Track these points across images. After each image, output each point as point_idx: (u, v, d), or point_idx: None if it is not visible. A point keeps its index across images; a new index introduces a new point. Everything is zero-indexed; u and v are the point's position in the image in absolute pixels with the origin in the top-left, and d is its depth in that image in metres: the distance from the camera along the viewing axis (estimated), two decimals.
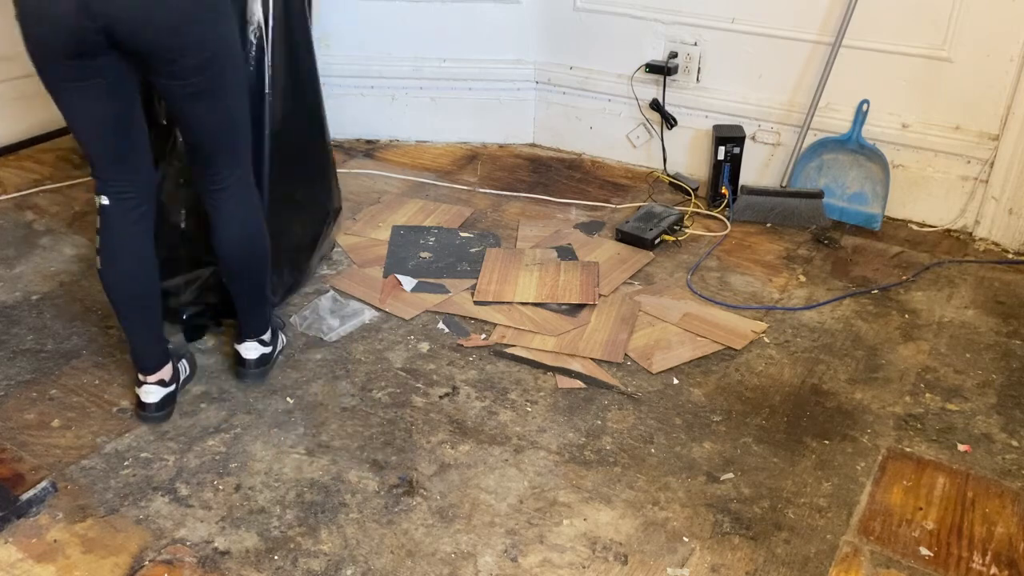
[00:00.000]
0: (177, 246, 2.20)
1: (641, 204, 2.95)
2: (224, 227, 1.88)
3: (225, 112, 1.75)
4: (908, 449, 1.92)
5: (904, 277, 2.56)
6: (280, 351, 2.17)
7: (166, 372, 1.95)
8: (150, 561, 1.63)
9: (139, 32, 1.56)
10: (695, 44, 3.01)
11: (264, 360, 2.08)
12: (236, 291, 2.00)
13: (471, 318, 2.35)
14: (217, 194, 1.85)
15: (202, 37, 1.62)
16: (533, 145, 3.46)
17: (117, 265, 1.83)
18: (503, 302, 2.40)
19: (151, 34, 1.57)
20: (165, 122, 2.06)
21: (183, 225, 2.18)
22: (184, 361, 2.06)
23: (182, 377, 2.03)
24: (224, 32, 1.68)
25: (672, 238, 2.73)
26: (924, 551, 1.66)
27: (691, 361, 2.19)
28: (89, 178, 1.87)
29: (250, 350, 2.05)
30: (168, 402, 1.96)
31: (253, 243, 1.93)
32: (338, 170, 3.12)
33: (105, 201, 1.77)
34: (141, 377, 1.94)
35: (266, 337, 2.07)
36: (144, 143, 1.79)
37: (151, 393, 1.93)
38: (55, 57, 1.58)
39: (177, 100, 1.70)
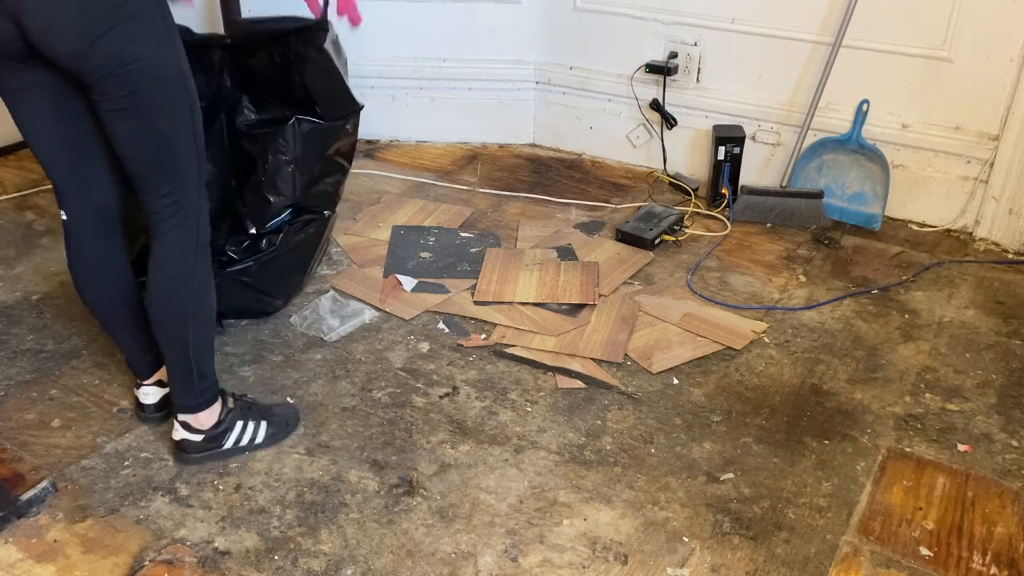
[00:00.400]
0: None
1: (641, 204, 2.95)
2: (151, 261, 1.70)
3: (149, 134, 1.61)
4: (908, 449, 1.92)
5: (904, 277, 2.56)
6: (244, 448, 1.87)
7: (163, 372, 1.94)
8: (150, 561, 1.63)
9: (47, 43, 1.47)
10: (695, 44, 3.01)
11: (188, 447, 1.83)
12: (162, 348, 1.78)
13: (471, 318, 2.35)
14: (151, 225, 1.69)
15: (113, 53, 1.50)
16: (533, 145, 3.46)
17: (88, 279, 1.79)
18: (503, 302, 2.40)
19: (58, 46, 1.48)
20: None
21: None
22: None
23: None
24: (143, 51, 1.53)
25: (672, 238, 2.73)
26: (924, 551, 1.66)
27: (691, 361, 2.19)
28: None
29: (176, 430, 1.83)
30: (167, 402, 1.95)
31: (173, 289, 1.71)
32: None
33: (65, 216, 1.73)
34: (138, 380, 1.94)
35: (192, 420, 1.81)
36: (103, 161, 1.70)
37: (149, 395, 1.93)
38: None
39: (101, 115, 1.59)
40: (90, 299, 1.82)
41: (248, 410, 1.90)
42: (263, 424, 1.90)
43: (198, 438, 1.83)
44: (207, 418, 1.82)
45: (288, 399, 2.04)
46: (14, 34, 1.48)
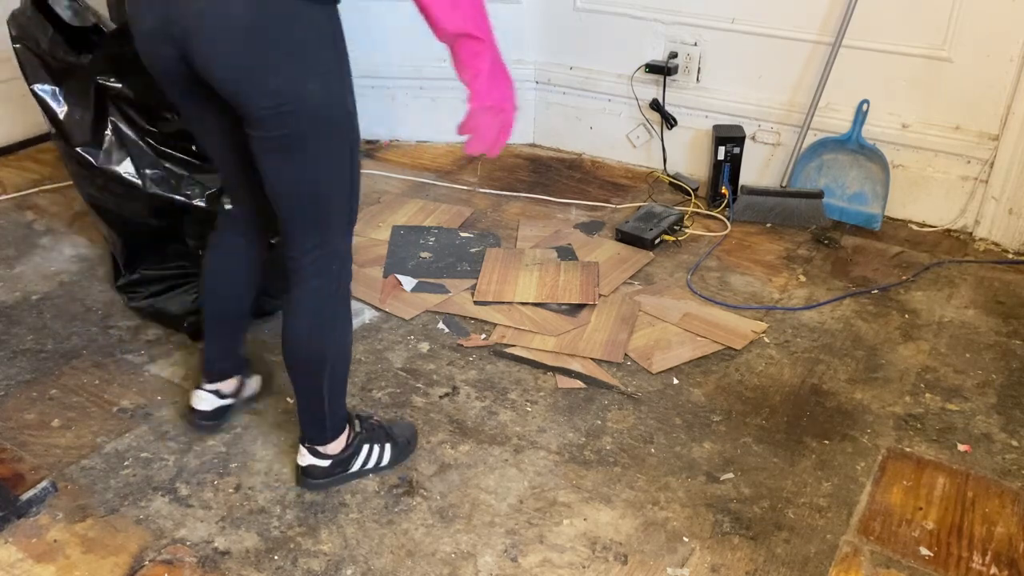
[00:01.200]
0: (185, 263, 2.26)
1: (641, 204, 2.95)
2: (289, 312, 1.64)
3: (302, 180, 1.49)
4: (908, 449, 1.92)
5: (904, 277, 2.56)
6: (370, 470, 1.83)
7: (227, 385, 1.92)
8: (150, 561, 1.63)
9: (210, 67, 1.39)
10: (695, 44, 3.01)
11: (315, 473, 1.77)
12: (293, 384, 1.73)
13: (471, 318, 2.34)
14: (292, 272, 1.61)
15: (279, 87, 1.38)
16: (533, 145, 3.46)
17: (218, 265, 1.79)
18: (503, 302, 2.40)
19: (220, 72, 1.38)
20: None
21: (190, 244, 2.23)
22: (256, 377, 2.03)
23: (245, 394, 1.99)
24: (310, 89, 1.40)
25: (672, 238, 2.73)
26: (924, 551, 1.66)
27: (691, 361, 2.19)
28: None
29: (302, 455, 1.78)
30: (219, 414, 1.93)
31: (312, 340, 1.64)
32: None
33: (228, 205, 1.73)
34: (202, 381, 1.92)
35: (322, 448, 1.76)
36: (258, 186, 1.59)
37: (204, 400, 1.91)
38: (154, 75, 1.50)
39: (254, 151, 1.48)
40: (209, 288, 1.81)
41: (373, 432, 1.84)
42: (387, 447, 1.84)
43: (325, 463, 1.77)
44: (335, 445, 1.77)
45: (406, 417, 2.00)
46: (176, 58, 1.42)
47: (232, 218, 1.75)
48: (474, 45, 1.40)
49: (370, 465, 1.83)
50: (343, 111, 1.47)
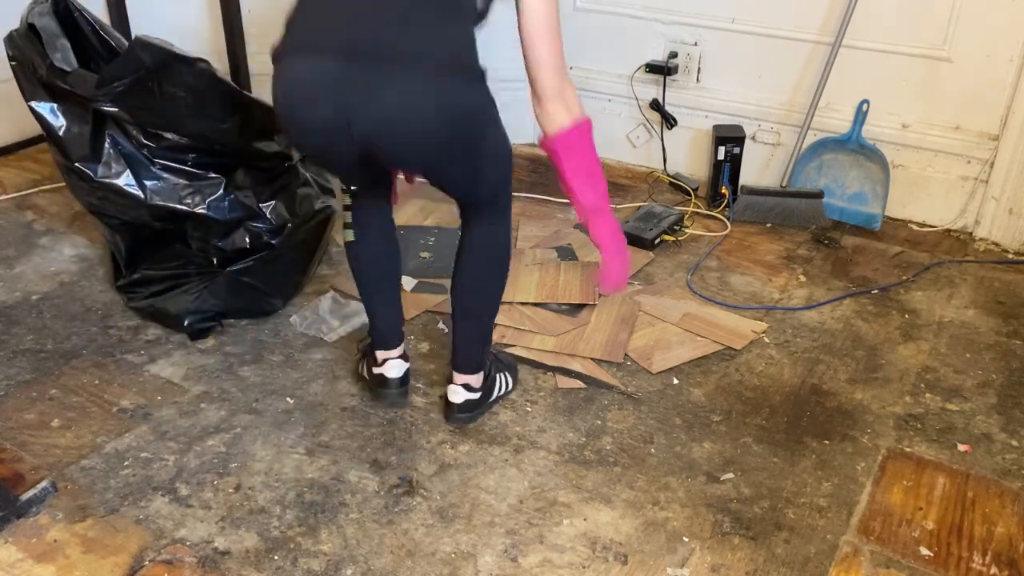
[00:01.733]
0: (185, 263, 2.26)
1: (641, 204, 2.95)
2: (465, 251, 1.85)
3: (484, 181, 1.76)
4: (908, 449, 1.92)
5: (904, 277, 2.56)
6: (500, 396, 2.03)
7: (402, 347, 2.00)
8: (150, 561, 1.63)
9: (397, 159, 1.68)
10: (695, 44, 3.01)
11: (469, 407, 1.95)
12: (462, 322, 1.91)
13: None
14: (469, 221, 1.85)
15: (463, 154, 1.65)
16: (533, 145, 3.45)
17: (369, 239, 1.89)
18: (503, 302, 2.40)
19: (410, 160, 1.70)
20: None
21: (193, 246, 2.23)
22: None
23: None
24: (485, 145, 1.69)
25: (672, 238, 2.73)
26: (924, 551, 1.66)
27: (691, 361, 2.19)
28: None
29: (456, 393, 1.94)
30: (408, 379, 2.01)
31: (488, 273, 1.88)
32: None
33: (347, 200, 1.87)
34: (382, 355, 1.98)
35: (473, 382, 1.94)
36: (387, 196, 1.90)
37: (394, 368, 1.98)
38: (307, 150, 1.71)
39: (440, 188, 1.78)
40: (366, 261, 1.92)
41: (495, 362, 2.04)
42: (507, 374, 2.05)
43: (476, 396, 1.95)
44: (480, 377, 1.96)
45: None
46: (348, 142, 1.56)
47: (358, 208, 1.88)
48: (604, 215, 1.77)
49: (501, 392, 2.02)
50: (499, 125, 1.72)
